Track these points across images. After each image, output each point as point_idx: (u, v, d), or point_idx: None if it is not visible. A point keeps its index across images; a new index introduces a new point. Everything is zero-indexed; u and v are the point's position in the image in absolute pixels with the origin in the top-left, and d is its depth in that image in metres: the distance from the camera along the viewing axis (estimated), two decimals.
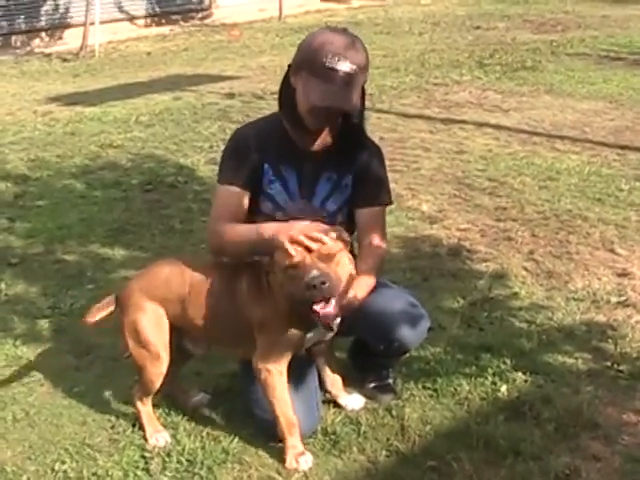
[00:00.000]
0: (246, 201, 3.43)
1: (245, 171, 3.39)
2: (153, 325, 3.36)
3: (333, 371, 3.60)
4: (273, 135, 3.41)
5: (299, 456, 3.24)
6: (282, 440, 3.28)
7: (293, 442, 3.26)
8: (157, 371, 3.37)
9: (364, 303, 3.30)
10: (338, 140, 3.43)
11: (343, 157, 3.44)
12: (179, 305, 3.36)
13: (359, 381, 3.70)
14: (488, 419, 3.47)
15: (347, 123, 3.39)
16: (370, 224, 3.47)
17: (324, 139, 3.41)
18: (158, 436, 3.41)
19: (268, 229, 3.21)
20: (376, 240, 3.45)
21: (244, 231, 3.32)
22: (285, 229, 3.14)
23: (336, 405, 3.58)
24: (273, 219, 3.37)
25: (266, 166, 3.41)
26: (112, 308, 3.45)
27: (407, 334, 3.40)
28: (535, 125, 7.98)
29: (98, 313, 3.45)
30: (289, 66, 3.34)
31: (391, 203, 3.60)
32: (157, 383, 3.40)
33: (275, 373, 3.22)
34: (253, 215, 3.44)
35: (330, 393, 3.61)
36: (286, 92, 3.35)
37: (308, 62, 3.21)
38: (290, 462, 3.24)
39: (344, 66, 3.17)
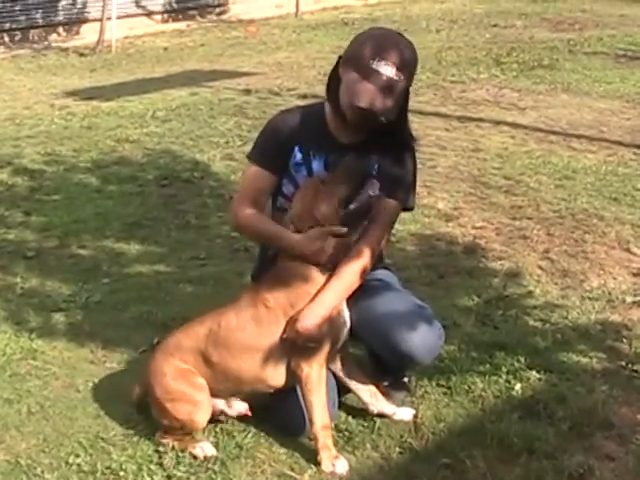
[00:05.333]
0: (271, 184, 3.47)
1: (275, 153, 3.43)
2: (178, 376, 3.30)
3: (365, 382, 3.48)
4: (313, 123, 3.45)
5: (335, 459, 3.18)
6: (314, 441, 3.23)
7: (327, 443, 3.20)
8: (197, 416, 3.30)
9: (374, 316, 3.34)
10: (373, 137, 3.43)
11: (374, 151, 3.45)
12: (201, 355, 3.30)
13: (375, 377, 3.69)
14: (502, 417, 3.47)
15: (387, 123, 3.39)
16: (373, 214, 3.37)
17: (360, 135, 3.43)
18: None
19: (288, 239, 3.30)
20: (371, 235, 3.37)
21: (262, 226, 3.42)
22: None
23: (350, 401, 3.54)
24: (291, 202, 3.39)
25: (296, 149, 3.44)
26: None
27: (420, 353, 3.37)
28: (552, 124, 7.95)
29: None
30: (340, 57, 3.38)
31: (407, 207, 3.57)
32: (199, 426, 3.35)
33: (316, 367, 3.18)
34: (274, 194, 3.50)
35: (368, 406, 3.47)
36: (333, 82, 3.38)
37: (356, 59, 3.26)
38: (327, 465, 3.18)
39: (388, 70, 3.22)
